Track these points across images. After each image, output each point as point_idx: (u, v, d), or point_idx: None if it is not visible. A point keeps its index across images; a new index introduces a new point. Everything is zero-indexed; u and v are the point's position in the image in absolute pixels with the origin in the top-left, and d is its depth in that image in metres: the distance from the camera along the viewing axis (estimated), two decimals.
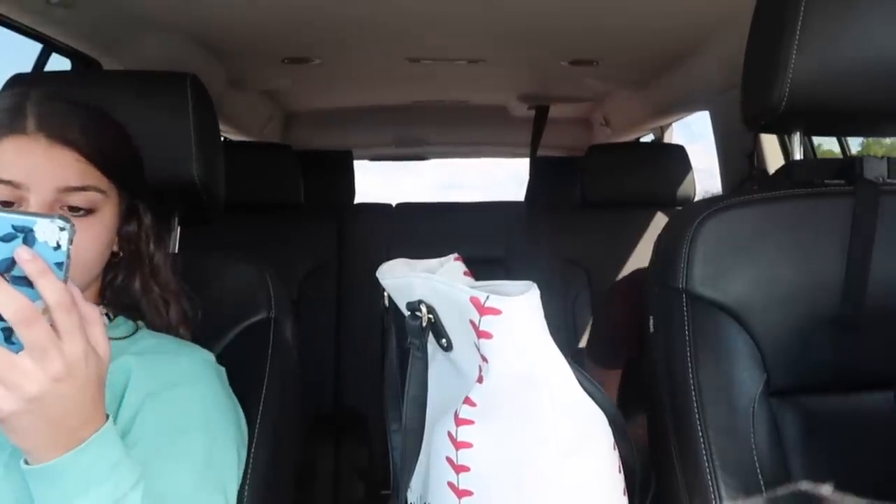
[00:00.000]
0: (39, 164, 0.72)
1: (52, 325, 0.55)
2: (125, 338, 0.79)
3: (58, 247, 0.55)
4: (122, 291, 0.83)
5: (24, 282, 0.54)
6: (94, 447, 0.58)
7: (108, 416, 0.61)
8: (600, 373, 1.63)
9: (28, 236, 0.54)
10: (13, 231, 0.54)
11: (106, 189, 0.76)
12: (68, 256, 0.56)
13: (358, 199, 2.71)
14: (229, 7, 1.65)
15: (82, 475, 0.58)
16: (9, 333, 0.54)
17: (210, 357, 0.82)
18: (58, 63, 1.61)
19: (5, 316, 0.53)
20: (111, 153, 0.77)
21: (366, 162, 3.68)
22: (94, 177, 0.75)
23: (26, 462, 0.59)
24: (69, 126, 0.74)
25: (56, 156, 0.73)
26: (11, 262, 0.54)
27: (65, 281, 0.56)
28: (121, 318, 0.83)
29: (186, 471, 0.71)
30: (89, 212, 0.75)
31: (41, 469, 0.57)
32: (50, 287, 0.54)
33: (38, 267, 0.54)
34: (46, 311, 0.54)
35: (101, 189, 0.76)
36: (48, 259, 0.55)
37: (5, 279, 0.54)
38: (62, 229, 0.55)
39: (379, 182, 4.18)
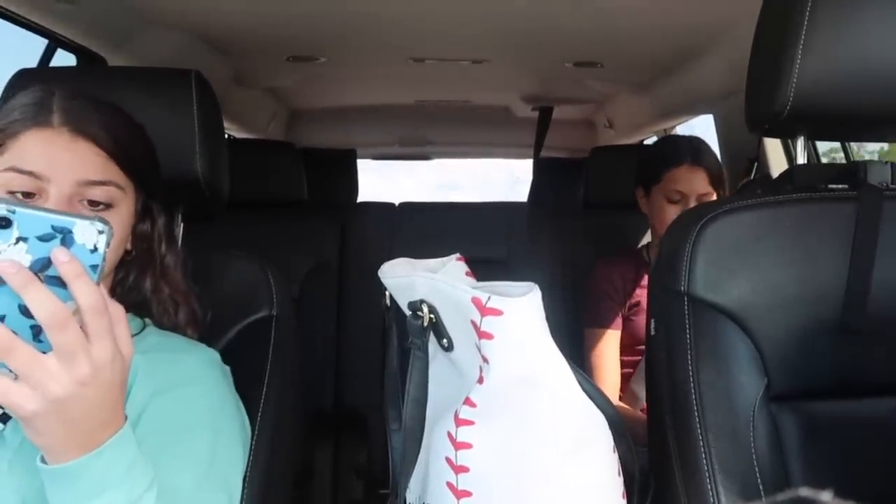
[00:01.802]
0: (61, 157, 0.73)
1: (82, 327, 0.54)
2: (133, 336, 0.80)
3: (94, 249, 0.55)
4: (132, 290, 0.84)
5: (58, 282, 0.53)
6: (110, 450, 0.58)
7: (125, 418, 0.61)
8: (601, 334, 1.67)
9: (66, 237, 0.54)
10: (52, 231, 0.54)
11: (124, 185, 0.77)
12: (104, 260, 0.55)
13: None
14: (234, 4, 1.65)
15: (98, 478, 0.58)
16: (38, 331, 0.53)
17: (216, 356, 0.83)
18: (63, 59, 1.62)
19: (38, 317, 0.52)
20: (132, 150, 0.78)
21: (362, 162, 3.68)
22: (114, 172, 0.76)
23: (43, 461, 0.58)
24: (92, 121, 0.75)
25: (78, 149, 0.74)
26: (47, 262, 0.53)
27: (97, 284, 0.55)
28: (128, 316, 0.83)
29: (191, 469, 0.71)
30: (107, 207, 0.75)
31: (58, 470, 0.57)
32: (85, 290, 0.53)
33: (75, 269, 0.53)
34: (77, 312, 0.54)
35: (120, 185, 0.76)
36: (84, 261, 0.54)
37: (40, 279, 0.53)
38: (101, 232, 0.55)
39: (377, 182, 4.20)
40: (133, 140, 0.79)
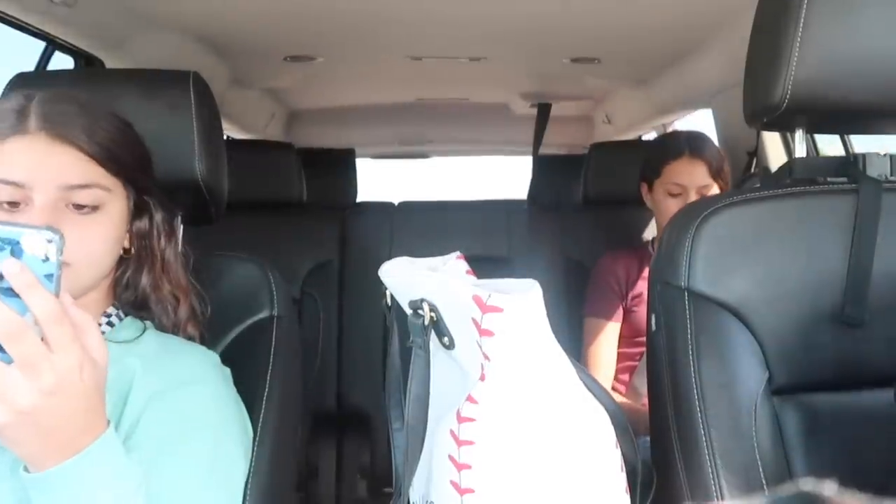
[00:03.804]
0: (40, 163, 0.72)
1: (44, 338, 0.54)
2: (131, 340, 0.80)
3: (46, 259, 0.54)
4: (131, 287, 0.83)
5: (14, 293, 0.53)
6: (92, 456, 0.58)
7: (108, 423, 0.60)
8: (601, 325, 1.68)
9: (15, 248, 0.53)
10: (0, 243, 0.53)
11: (111, 186, 0.76)
12: (59, 268, 0.55)
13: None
14: (232, 5, 1.66)
15: (80, 484, 0.58)
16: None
17: (215, 357, 0.83)
18: (61, 61, 1.61)
19: None
20: (115, 150, 0.77)
21: (361, 161, 3.67)
22: (97, 174, 0.75)
23: (26, 470, 0.58)
24: (70, 124, 0.74)
25: (57, 154, 0.73)
26: (0, 275, 0.53)
27: (56, 293, 0.54)
28: (129, 320, 0.83)
29: (191, 470, 0.71)
30: (94, 209, 0.75)
31: (39, 477, 0.57)
32: (38, 300, 0.53)
33: (26, 280, 0.53)
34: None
35: (106, 186, 0.75)
36: (37, 271, 0.53)
37: None
38: (50, 241, 0.54)
39: (375, 182, 4.19)
40: (116, 139, 0.77)
